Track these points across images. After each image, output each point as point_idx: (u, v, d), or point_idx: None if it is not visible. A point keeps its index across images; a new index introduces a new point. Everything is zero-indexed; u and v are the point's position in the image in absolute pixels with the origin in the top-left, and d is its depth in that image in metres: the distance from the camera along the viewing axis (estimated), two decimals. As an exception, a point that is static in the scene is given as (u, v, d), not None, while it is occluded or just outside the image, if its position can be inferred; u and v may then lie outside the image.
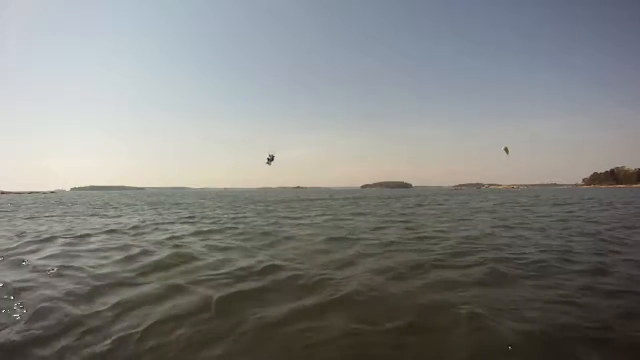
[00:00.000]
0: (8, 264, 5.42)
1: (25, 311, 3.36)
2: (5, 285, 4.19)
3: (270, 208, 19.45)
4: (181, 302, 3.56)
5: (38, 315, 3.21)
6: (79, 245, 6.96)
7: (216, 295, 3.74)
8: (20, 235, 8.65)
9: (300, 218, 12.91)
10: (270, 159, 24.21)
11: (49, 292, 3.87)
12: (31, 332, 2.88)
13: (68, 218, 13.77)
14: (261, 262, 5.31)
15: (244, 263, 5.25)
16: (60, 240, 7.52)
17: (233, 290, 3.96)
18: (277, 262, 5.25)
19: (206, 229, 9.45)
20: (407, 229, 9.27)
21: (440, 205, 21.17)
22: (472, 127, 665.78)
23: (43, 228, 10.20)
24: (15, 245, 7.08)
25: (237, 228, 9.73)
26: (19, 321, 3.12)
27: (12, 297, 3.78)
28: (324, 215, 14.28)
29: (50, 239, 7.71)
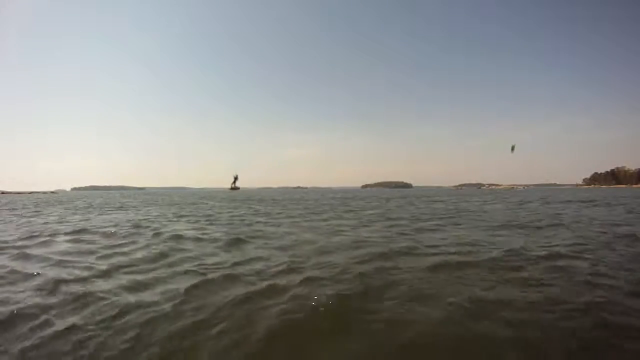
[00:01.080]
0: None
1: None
2: None
3: (265, 208, 19.77)
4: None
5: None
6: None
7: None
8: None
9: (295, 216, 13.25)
10: (235, 180, 27.07)
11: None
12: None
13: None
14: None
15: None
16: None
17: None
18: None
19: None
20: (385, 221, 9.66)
21: (428, 205, 21.43)
22: (472, 127, 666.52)
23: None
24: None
25: (232, 223, 10.20)
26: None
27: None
28: (312, 213, 14.59)
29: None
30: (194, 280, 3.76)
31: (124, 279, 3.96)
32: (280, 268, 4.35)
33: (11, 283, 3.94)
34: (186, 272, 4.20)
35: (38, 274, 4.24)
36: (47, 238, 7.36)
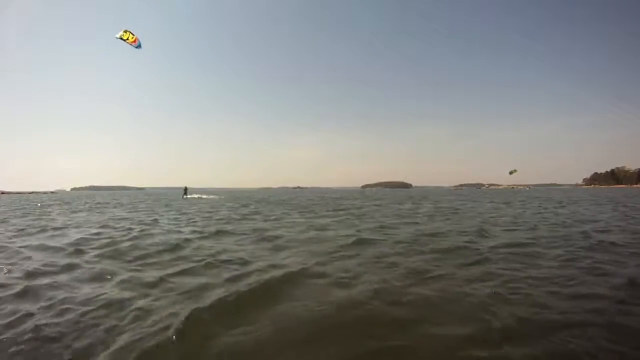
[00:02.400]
0: None
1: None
2: None
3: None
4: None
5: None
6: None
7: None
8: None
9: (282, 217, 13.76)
10: (185, 192, 31.89)
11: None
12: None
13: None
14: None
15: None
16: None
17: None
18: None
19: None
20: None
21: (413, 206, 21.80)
22: (472, 127, 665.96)
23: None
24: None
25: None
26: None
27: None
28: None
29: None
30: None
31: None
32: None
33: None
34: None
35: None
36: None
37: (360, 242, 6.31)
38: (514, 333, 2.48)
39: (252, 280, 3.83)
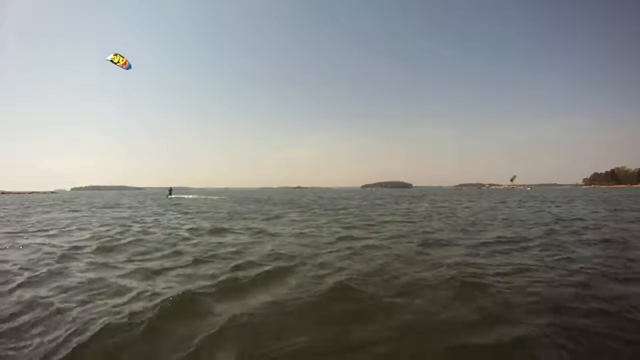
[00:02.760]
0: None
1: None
2: None
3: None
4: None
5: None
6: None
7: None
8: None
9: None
10: (170, 192, 31.60)
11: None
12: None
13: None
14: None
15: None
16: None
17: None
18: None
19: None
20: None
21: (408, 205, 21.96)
22: (473, 126, 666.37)
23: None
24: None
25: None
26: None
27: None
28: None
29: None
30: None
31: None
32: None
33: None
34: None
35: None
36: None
37: (354, 238, 6.54)
38: (489, 318, 2.69)
39: (246, 273, 4.05)
